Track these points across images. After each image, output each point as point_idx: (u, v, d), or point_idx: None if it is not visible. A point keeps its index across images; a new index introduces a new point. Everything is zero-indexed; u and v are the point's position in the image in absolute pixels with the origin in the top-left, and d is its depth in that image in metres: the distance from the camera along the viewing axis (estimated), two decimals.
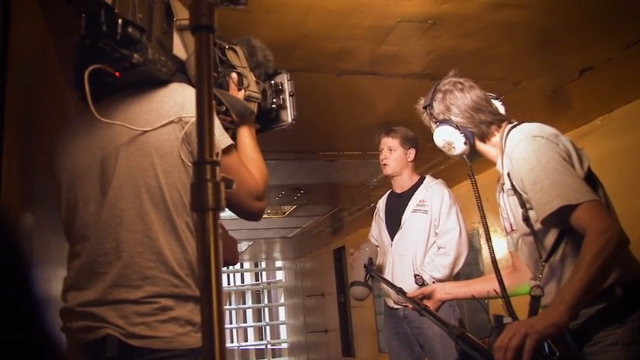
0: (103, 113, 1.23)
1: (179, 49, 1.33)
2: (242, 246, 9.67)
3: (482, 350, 1.31)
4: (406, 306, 2.90)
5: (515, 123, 1.70)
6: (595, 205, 1.41)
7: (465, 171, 1.82)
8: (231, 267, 11.01)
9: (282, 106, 1.61)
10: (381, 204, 3.27)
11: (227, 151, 1.28)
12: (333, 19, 2.37)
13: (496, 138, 1.72)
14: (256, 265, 13.29)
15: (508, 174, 1.61)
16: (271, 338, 12.87)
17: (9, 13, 1.53)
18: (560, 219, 1.45)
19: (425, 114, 1.83)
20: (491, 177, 1.93)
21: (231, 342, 12.53)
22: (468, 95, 1.73)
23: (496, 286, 1.67)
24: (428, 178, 3.13)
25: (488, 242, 1.72)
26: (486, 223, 1.72)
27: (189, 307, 1.23)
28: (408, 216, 3.03)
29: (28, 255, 1.69)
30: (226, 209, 0.73)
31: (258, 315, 13.57)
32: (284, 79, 1.62)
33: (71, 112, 2.54)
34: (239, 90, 1.47)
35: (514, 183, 1.59)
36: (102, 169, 1.27)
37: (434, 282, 2.75)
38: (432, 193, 3.01)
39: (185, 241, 1.24)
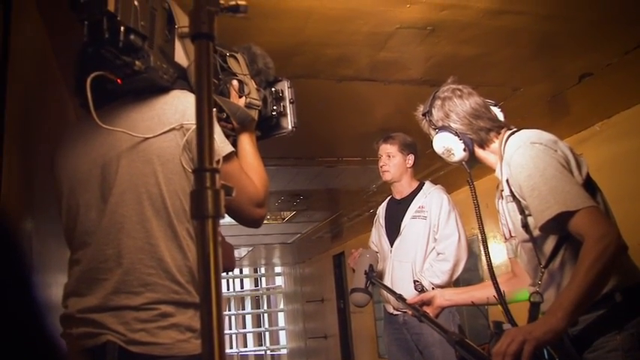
0: (105, 120, 1.24)
1: (180, 57, 1.34)
2: (241, 252, 9.66)
3: (481, 356, 1.31)
4: (406, 312, 2.90)
5: (514, 129, 1.71)
6: (593, 211, 1.42)
7: (464, 177, 1.82)
8: (230, 273, 10.99)
9: (282, 114, 1.62)
10: (381, 210, 3.28)
11: (228, 158, 1.28)
12: (333, 26, 2.38)
13: (495, 144, 1.72)
14: (256, 271, 13.27)
15: (507, 180, 1.62)
16: (270, 344, 12.83)
17: (9, 15, 1.54)
18: (559, 225, 1.45)
19: (424, 121, 1.84)
20: (490, 183, 1.94)
21: (231, 348, 12.50)
22: (466, 102, 1.74)
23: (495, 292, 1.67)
24: (427, 184, 3.14)
25: (485, 248, 1.72)
26: (483, 229, 1.73)
27: (189, 314, 1.23)
28: (407, 222, 3.03)
29: (27, 259, 1.69)
30: (226, 216, 0.74)
31: (257, 321, 13.54)
32: (284, 87, 1.63)
33: (70, 114, 2.55)
34: (240, 97, 1.48)
35: (513, 189, 1.59)
36: (103, 175, 1.28)
37: (433, 288, 2.75)
38: (431, 199, 3.01)
39: (186, 248, 1.25)
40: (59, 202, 1.36)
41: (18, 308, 1.57)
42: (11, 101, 1.50)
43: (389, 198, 3.29)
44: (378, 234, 3.23)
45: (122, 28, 1.14)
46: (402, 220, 3.05)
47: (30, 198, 1.77)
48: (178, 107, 1.27)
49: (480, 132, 1.72)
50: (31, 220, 1.75)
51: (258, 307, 13.63)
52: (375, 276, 2.44)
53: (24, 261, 1.65)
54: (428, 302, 2.00)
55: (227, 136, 1.37)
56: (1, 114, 1.45)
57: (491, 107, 1.79)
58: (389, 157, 3.09)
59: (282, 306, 12.74)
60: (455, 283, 2.99)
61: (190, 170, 1.24)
